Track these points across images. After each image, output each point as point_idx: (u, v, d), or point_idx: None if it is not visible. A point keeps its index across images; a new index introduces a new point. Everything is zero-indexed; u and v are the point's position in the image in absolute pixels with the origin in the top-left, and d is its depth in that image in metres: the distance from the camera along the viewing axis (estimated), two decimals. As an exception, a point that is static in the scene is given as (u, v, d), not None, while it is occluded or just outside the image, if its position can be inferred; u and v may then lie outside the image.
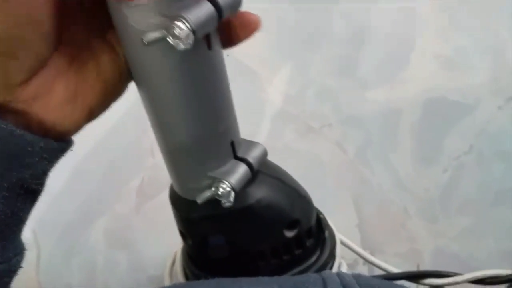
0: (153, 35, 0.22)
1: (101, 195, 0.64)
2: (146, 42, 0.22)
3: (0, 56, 0.21)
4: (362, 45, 0.64)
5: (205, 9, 0.23)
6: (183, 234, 0.35)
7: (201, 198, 0.29)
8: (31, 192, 0.24)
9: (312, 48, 0.65)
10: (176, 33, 0.22)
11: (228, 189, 0.28)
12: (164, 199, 0.34)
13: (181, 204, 0.32)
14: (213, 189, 0.28)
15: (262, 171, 0.32)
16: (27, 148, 0.23)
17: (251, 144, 0.31)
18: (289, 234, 0.33)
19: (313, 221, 0.35)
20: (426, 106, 0.64)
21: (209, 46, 0.26)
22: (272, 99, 0.65)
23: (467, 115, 0.63)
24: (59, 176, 0.59)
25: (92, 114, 0.26)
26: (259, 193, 0.31)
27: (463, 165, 0.64)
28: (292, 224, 0.33)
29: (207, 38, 0.25)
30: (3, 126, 0.22)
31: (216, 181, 0.28)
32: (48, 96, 0.24)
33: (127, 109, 0.58)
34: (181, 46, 0.22)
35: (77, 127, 0.26)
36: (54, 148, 0.24)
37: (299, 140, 0.65)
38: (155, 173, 0.64)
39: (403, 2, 0.64)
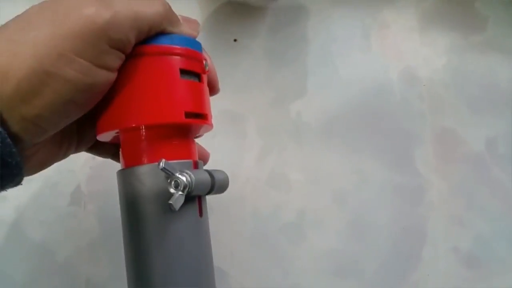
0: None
1: None
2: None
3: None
4: (362, 238, 0.50)
5: (205, 175, 0.30)
6: None
7: None
8: None
9: (296, 241, 0.50)
10: (179, 181, 0.28)
11: None
12: None
13: None
14: None
15: None
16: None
17: None
18: None
19: None
20: (448, 320, 0.49)
21: (201, 214, 0.31)
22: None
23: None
24: None
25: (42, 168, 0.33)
26: None
27: None
28: None
29: (199, 205, 0.31)
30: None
31: None
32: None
33: None
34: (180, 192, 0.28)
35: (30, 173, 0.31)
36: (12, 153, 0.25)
37: None
38: None
39: (405, 178, 0.52)
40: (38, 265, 0.50)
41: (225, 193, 0.52)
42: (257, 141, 0.54)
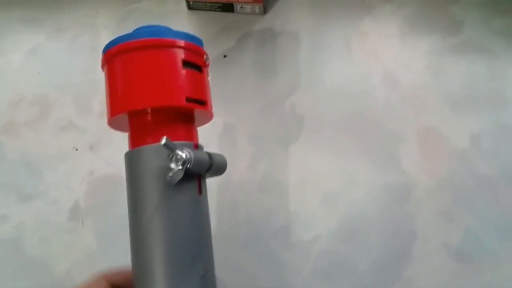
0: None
1: None
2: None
3: None
4: (353, 239, 0.51)
5: (203, 155, 0.32)
6: None
7: None
8: None
9: (288, 243, 0.51)
10: (178, 157, 0.30)
11: None
12: None
13: None
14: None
15: None
16: None
17: None
18: None
19: None
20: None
21: (200, 191, 0.33)
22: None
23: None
24: None
25: None
26: None
27: None
28: None
29: (199, 184, 0.33)
30: None
31: None
32: None
33: None
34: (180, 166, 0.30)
35: None
36: None
37: None
38: None
39: (392, 177, 0.53)
40: (38, 279, 0.51)
41: (219, 199, 0.54)
42: (248, 149, 0.55)
